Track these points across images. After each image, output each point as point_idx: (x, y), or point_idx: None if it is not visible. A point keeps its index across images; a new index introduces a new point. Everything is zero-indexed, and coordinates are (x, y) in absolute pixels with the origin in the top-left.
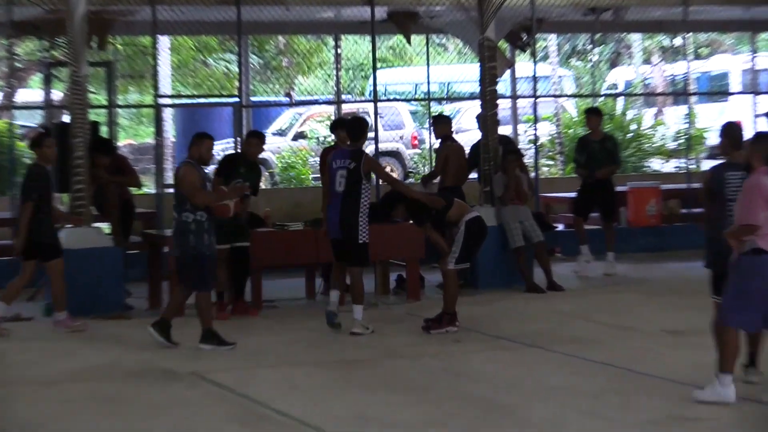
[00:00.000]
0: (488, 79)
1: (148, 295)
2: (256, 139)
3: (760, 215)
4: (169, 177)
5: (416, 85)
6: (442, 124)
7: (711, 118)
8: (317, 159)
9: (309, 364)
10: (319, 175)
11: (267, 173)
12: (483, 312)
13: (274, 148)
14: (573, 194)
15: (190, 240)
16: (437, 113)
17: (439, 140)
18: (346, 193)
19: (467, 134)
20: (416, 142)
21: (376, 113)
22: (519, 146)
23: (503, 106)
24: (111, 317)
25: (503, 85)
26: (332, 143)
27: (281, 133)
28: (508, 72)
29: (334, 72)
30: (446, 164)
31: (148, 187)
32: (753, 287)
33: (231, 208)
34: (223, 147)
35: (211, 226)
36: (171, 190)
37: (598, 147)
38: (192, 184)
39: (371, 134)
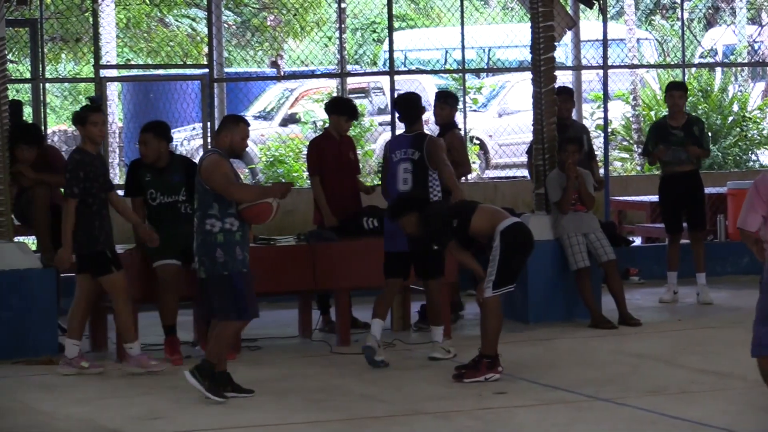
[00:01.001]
0: (543, 43)
1: (90, 332)
2: (150, 134)
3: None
4: (116, 174)
5: (447, 52)
6: (449, 106)
7: None
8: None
9: (304, 425)
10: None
11: (246, 170)
12: (534, 354)
13: (257, 136)
14: (655, 198)
15: (218, 256)
16: (442, 89)
17: (440, 128)
18: (414, 190)
19: (516, 117)
20: None
21: (392, 90)
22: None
23: (563, 80)
24: (40, 361)
25: (563, 52)
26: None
27: (266, 116)
28: (569, 34)
29: (337, 34)
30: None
31: None
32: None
33: (274, 209)
34: (187, 135)
35: (245, 237)
36: (119, 192)
37: (680, 135)
38: (226, 175)
39: (386, 117)
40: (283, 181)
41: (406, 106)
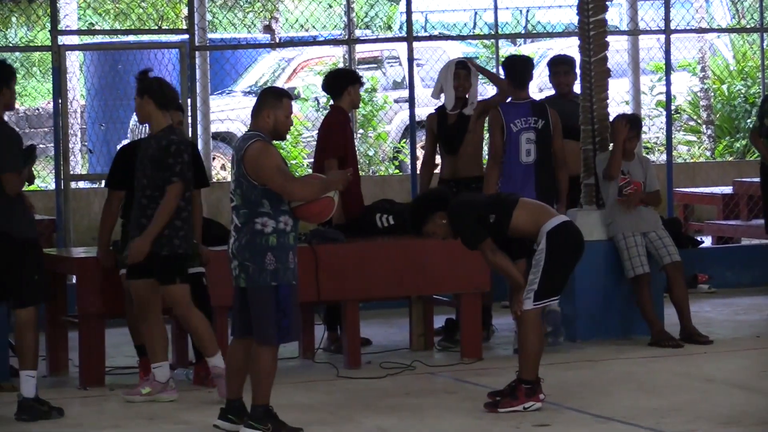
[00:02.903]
0: (592, 3)
1: (47, 353)
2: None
3: None
4: (77, 162)
5: (476, 14)
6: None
7: None
8: (316, 133)
9: None
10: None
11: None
12: (583, 378)
13: (247, 115)
14: (728, 189)
15: (267, 262)
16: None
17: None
18: (539, 163)
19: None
20: None
21: (410, 59)
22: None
23: (616, 46)
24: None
25: (616, 13)
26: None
27: (258, 91)
28: None
29: None
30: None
31: (44, 180)
32: None
33: (335, 204)
34: None
35: (296, 240)
36: (81, 184)
37: None
38: (279, 169)
39: (402, 93)
40: (343, 171)
41: (522, 68)
